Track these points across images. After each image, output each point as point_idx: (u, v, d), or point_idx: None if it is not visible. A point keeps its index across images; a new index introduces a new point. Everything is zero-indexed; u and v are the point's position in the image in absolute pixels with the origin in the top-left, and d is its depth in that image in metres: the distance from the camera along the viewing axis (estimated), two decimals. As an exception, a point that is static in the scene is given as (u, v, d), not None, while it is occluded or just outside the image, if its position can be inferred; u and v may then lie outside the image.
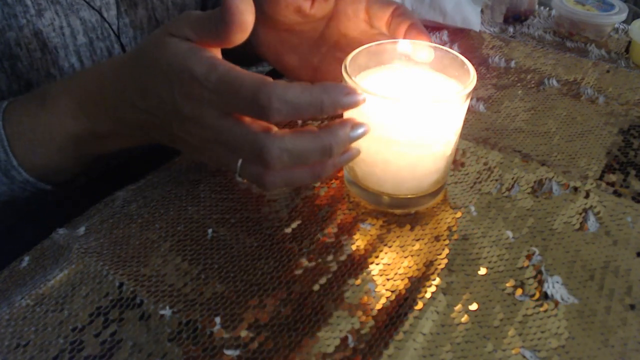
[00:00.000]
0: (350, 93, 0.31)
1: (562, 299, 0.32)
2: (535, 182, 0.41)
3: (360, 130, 0.32)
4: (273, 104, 0.29)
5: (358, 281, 0.33)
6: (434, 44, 0.38)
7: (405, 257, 0.35)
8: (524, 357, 0.29)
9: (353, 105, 0.31)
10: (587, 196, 0.40)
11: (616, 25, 0.66)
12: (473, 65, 0.35)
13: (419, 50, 0.39)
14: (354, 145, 0.33)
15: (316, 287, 0.33)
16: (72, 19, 0.47)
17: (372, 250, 0.35)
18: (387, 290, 0.33)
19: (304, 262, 0.34)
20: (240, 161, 0.32)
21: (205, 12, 0.32)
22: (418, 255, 0.35)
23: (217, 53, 0.33)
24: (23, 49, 0.45)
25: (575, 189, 0.41)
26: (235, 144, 0.32)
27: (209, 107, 0.32)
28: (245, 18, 0.30)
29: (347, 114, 0.37)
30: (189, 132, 0.33)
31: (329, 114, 0.32)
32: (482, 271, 0.34)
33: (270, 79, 0.30)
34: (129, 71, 0.35)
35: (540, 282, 0.33)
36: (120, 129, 0.38)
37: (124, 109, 0.36)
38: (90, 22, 0.48)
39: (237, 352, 0.29)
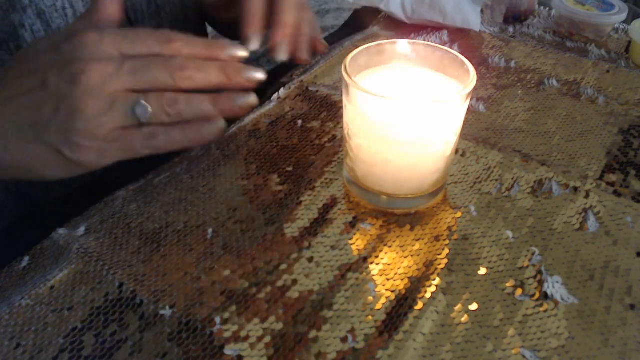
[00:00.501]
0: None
1: (562, 299, 0.32)
2: (535, 182, 0.41)
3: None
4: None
5: (358, 281, 0.33)
6: (433, 44, 0.38)
7: (405, 257, 0.35)
8: (524, 357, 0.29)
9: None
10: (587, 196, 0.40)
11: (616, 25, 0.66)
12: (473, 65, 0.35)
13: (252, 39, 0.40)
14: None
15: (316, 287, 0.33)
16: (74, 1, 0.48)
17: (372, 250, 0.35)
18: (387, 290, 0.33)
19: (304, 262, 0.34)
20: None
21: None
22: (418, 255, 0.35)
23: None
24: (27, 30, 0.46)
25: (575, 189, 0.41)
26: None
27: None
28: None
29: (348, 117, 0.37)
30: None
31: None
32: (482, 271, 0.34)
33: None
34: None
35: (540, 282, 0.33)
36: None
37: None
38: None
39: (237, 352, 0.29)
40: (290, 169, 0.42)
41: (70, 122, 0.32)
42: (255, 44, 0.41)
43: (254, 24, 0.41)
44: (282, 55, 0.42)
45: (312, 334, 0.30)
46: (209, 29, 0.70)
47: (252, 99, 0.37)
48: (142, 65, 0.34)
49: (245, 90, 0.37)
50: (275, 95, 0.50)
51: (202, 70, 0.36)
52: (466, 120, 0.37)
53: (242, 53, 0.38)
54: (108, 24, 0.37)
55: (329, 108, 0.49)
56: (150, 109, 0.33)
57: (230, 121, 0.38)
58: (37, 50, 0.36)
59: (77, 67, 0.33)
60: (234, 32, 0.49)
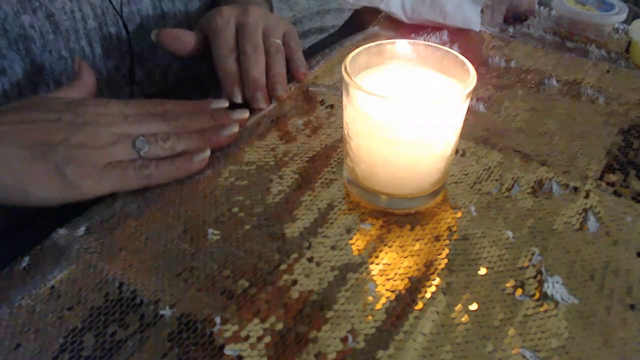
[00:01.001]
0: None
1: (562, 299, 0.32)
2: (535, 182, 0.41)
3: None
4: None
5: (358, 281, 0.33)
6: (433, 44, 0.38)
7: (405, 257, 0.35)
8: (524, 357, 0.29)
9: None
10: (587, 196, 0.40)
11: (616, 25, 0.66)
12: (473, 65, 0.35)
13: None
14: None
15: (316, 287, 0.33)
16: (82, 4, 0.50)
17: (372, 250, 0.35)
18: (387, 290, 0.33)
19: (304, 262, 0.34)
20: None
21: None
22: (418, 255, 0.35)
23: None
24: (37, 31, 0.48)
25: (575, 189, 0.41)
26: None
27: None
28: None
29: (348, 117, 0.37)
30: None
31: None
32: (482, 271, 0.34)
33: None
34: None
35: (540, 282, 0.33)
36: None
37: None
38: (100, 7, 0.51)
39: (237, 352, 0.29)
40: (290, 169, 0.42)
41: (78, 148, 0.36)
42: (238, 98, 0.48)
43: (230, 84, 0.48)
44: (261, 104, 0.48)
45: (312, 334, 0.30)
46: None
47: (236, 128, 0.43)
48: (142, 118, 0.40)
49: None
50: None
51: (194, 118, 0.42)
52: (466, 120, 0.37)
53: (224, 104, 0.46)
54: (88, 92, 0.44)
55: (329, 108, 0.49)
56: (146, 145, 0.39)
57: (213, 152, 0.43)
58: (47, 99, 0.41)
59: (89, 115, 0.39)
60: None
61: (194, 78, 0.66)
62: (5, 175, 0.35)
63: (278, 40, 0.51)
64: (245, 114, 0.45)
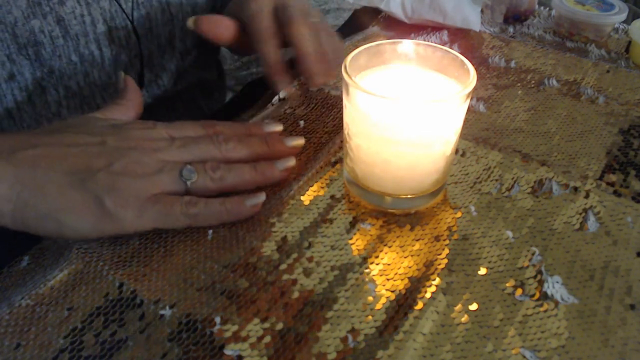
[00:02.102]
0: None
1: (562, 299, 0.32)
2: (535, 182, 0.41)
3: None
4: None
5: (358, 281, 0.33)
6: (433, 44, 0.38)
7: (405, 257, 0.35)
8: (524, 357, 0.29)
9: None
10: (587, 196, 0.40)
11: (616, 25, 0.66)
12: (473, 65, 0.35)
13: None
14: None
15: (316, 287, 0.33)
16: (92, 8, 0.49)
17: (372, 250, 0.35)
18: (387, 290, 0.33)
19: (304, 262, 0.34)
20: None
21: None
22: (418, 255, 0.35)
23: None
24: (47, 36, 0.47)
25: (575, 189, 0.41)
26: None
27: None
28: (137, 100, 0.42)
29: (348, 117, 0.37)
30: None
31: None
32: (482, 271, 0.34)
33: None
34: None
35: (540, 282, 0.33)
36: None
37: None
38: (109, 11, 0.50)
39: (237, 352, 0.29)
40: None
41: (121, 175, 0.34)
42: (283, 88, 0.47)
43: (276, 72, 0.46)
44: (328, 80, 0.46)
45: (312, 334, 0.30)
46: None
47: (292, 162, 0.40)
48: (191, 142, 0.38)
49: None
50: (275, 97, 0.50)
51: (245, 142, 0.39)
52: (466, 120, 0.37)
53: (278, 127, 0.42)
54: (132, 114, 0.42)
55: (330, 108, 0.49)
56: (195, 174, 0.36)
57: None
58: (91, 119, 0.39)
59: (134, 139, 0.36)
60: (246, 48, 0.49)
61: (203, 82, 0.66)
62: (39, 202, 0.32)
63: (317, 19, 0.48)
64: (301, 141, 0.42)
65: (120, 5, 0.51)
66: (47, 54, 0.48)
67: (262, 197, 0.37)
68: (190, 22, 0.47)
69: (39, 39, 0.47)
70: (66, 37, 0.48)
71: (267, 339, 0.30)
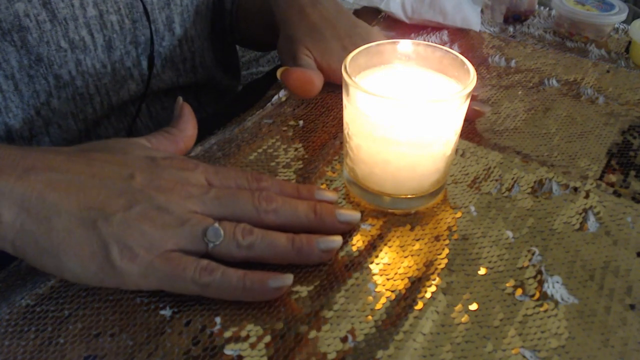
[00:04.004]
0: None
1: (562, 299, 0.32)
2: (535, 182, 0.41)
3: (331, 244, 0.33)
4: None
5: (358, 281, 0.33)
6: (433, 44, 0.38)
7: (405, 257, 0.35)
8: (524, 357, 0.29)
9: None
10: (587, 196, 0.40)
11: (616, 25, 0.66)
12: (473, 65, 0.35)
13: None
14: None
15: (316, 287, 0.33)
16: None
17: (372, 250, 0.35)
18: (387, 290, 0.33)
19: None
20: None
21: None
22: (418, 255, 0.35)
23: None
24: (32, 20, 0.44)
25: (575, 189, 0.41)
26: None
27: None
28: (191, 132, 0.40)
29: (348, 117, 0.37)
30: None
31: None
32: (482, 271, 0.34)
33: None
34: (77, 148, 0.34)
35: (540, 282, 0.33)
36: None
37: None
38: None
39: (237, 352, 0.29)
40: (290, 169, 0.42)
41: (137, 222, 0.30)
42: None
43: None
44: None
45: (312, 334, 0.30)
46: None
47: (338, 243, 0.33)
48: (228, 194, 0.33)
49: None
50: (275, 97, 0.50)
51: (290, 205, 0.34)
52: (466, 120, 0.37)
53: (334, 196, 0.37)
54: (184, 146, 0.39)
55: (330, 108, 0.49)
56: (221, 235, 0.31)
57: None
58: (127, 146, 0.35)
59: (167, 179, 0.32)
60: (253, 41, 0.48)
61: (210, 77, 0.64)
62: (42, 237, 0.29)
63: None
64: (357, 216, 0.36)
65: None
66: (33, 40, 0.45)
67: (289, 280, 0.31)
68: (278, 73, 0.46)
69: (24, 23, 0.44)
70: (54, 22, 0.45)
71: (267, 339, 0.30)
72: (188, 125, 0.39)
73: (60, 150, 0.33)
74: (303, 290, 0.33)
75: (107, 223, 0.29)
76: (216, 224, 0.31)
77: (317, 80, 0.46)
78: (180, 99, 0.41)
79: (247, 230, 0.32)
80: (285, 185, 0.36)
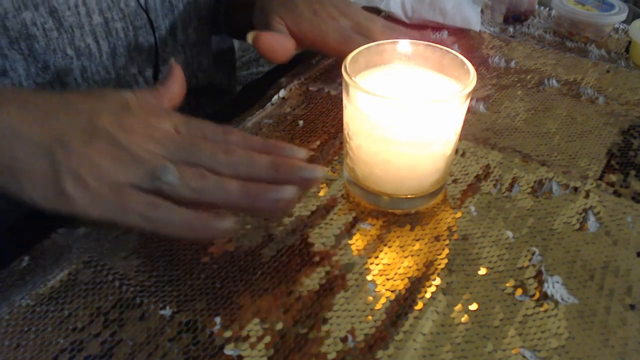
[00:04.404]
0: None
1: (562, 299, 0.32)
2: (535, 182, 0.41)
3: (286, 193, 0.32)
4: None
5: (358, 281, 0.33)
6: (433, 44, 0.38)
7: (405, 257, 0.35)
8: (524, 357, 0.29)
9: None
10: (587, 196, 0.40)
11: (616, 25, 0.66)
12: (473, 65, 0.35)
13: None
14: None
15: (316, 287, 0.33)
16: None
17: (372, 250, 0.35)
18: (387, 290, 0.33)
19: (305, 262, 0.34)
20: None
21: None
22: (418, 255, 0.35)
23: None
24: (39, 28, 0.45)
25: (575, 189, 0.41)
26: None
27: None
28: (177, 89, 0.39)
29: (348, 117, 0.37)
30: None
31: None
32: (482, 271, 0.34)
33: None
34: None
35: (540, 282, 0.33)
36: None
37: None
38: (105, 1, 0.49)
39: (237, 352, 0.29)
40: (290, 169, 0.42)
41: (94, 156, 0.31)
42: None
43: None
44: None
45: (312, 334, 0.30)
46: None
47: (291, 193, 0.31)
48: (189, 142, 0.34)
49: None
50: (275, 97, 0.51)
51: (250, 159, 0.33)
52: (466, 120, 0.37)
53: (302, 155, 0.35)
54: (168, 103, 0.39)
55: (330, 108, 0.49)
56: (173, 176, 0.31)
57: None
58: (114, 93, 0.36)
59: (133, 122, 0.33)
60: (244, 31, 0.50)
61: (210, 79, 0.65)
62: (6, 160, 0.31)
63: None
64: (321, 172, 0.33)
65: None
66: (40, 48, 0.46)
67: (231, 223, 0.31)
68: (249, 36, 0.47)
69: (32, 32, 0.45)
70: (60, 30, 0.47)
71: (267, 339, 0.30)
72: (174, 85, 0.40)
73: (39, 91, 0.35)
74: (303, 290, 0.33)
75: (65, 154, 0.31)
76: (171, 166, 0.31)
77: (288, 45, 0.48)
78: (172, 59, 0.42)
79: (200, 174, 0.32)
80: (253, 140, 0.36)
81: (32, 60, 0.47)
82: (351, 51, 0.48)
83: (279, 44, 0.48)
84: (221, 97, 0.69)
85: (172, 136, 0.34)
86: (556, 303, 0.32)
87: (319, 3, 0.52)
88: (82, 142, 0.32)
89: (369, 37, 0.50)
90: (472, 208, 0.39)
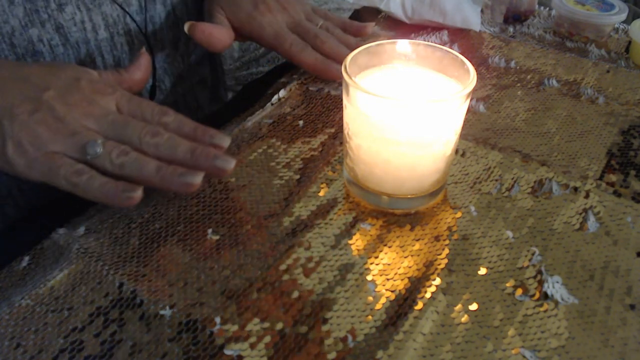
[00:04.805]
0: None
1: (562, 299, 0.32)
2: (535, 182, 0.41)
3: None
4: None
5: (358, 281, 0.33)
6: (433, 44, 0.38)
7: (405, 257, 0.35)
8: (524, 357, 0.29)
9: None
10: (587, 196, 0.40)
11: (616, 25, 0.66)
12: (473, 65, 0.35)
13: None
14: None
15: (316, 287, 0.33)
16: (94, 14, 0.48)
17: (372, 250, 0.35)
18: (387, 290, 0.33)
19: (304, 262, 0.34)
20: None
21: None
22: (418, 255, 0.35)
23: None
24: (46, 44, 0.46)
25: (575, 189, 0.41)
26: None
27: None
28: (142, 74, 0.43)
29: (348, 117, 0.37)
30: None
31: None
32: (482, 271, 0.34)
33: None
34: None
35: (540, 282, 0.33)
36: None
37: None
38: (111, 17, 0.50)
39: (237, 352, 0.29)
40: (290, 169, 0.42)
41: (35, 125, 0.35)
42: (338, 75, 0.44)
43: (324, 69, 0.51)
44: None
45: (312, 334, 0.30)
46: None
47: (197, 178, 0.35)
48: (121, 121, 0.37)
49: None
50: (275, 96, 0.51)
51: (171, 142, 0.37)
52: (466, 120, 0.37)
53: (225, 143, 0.38)
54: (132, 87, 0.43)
55: (330, 108, 0.49)
56: (99, 150, 0.35)
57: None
58: (73, 67, 0.40)
59: (77, 98, 0.37)
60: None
61: (204, 82, 0.66)
62: None
63: (321, 21, 0.55)
64: (230, 164, 0.37)
65: (124, 9, 0.50)
66: None
67: (137, 193, 0.34)
68: (186, 26, 0.49)
69: (38, 48, 0.46)
70: (66, 45, 0.47)
71: (267, 339, 0.30)
72: (137, 71, 0.43)
73: (1, 62, 0.39)
74: (303, 290, 0.33)
75: (10, 122, 0.35)
76: (99, 140, 0.35)
77: (224, 35, 0.51)
78: (144, 48, 0.45)
79: (123, 151, 0.35)
80: (185, 124, 0.39)
81: None
82: (284, 47, 0.51)
83: (213, 33, 0.50)
84: (216, 93, 0.70)
85: (108, 114, 0.37)
86: (556, 303, 0.32)
87: None
88: (27, 113, 0.35)
89: (304, 38, 0.52)
90: (472, 208, 0.39)
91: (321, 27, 0.54)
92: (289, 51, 0.51)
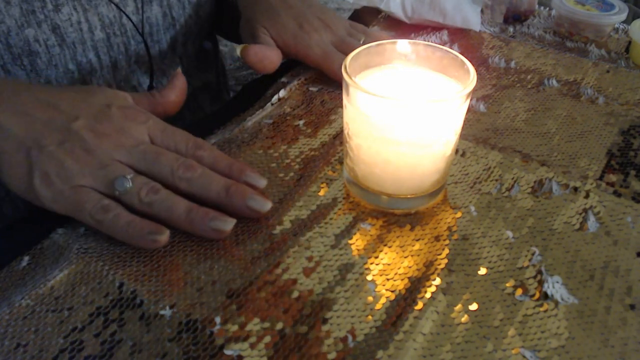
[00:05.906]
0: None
1: (562, 299, 0.32)
2: (535, 182, 0.41)
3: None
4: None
5: (358, 281, 0.33)
6: (433, 44, 0.38)
7: (405, 257, 0.35)
8: (524, 357, 0.29)
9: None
10: (587, 196, 0.40)
11: (616, 25, 0.66)
12: (473, 65, 0.35)
13: None
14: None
15: (316, 287, 0.33)
16: (90, 14, 0.48)
17: (372, 250, 0.35)
18: (387, 290, 0.33)
19: (304, 262, 0.34)
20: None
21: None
22: (418, 255, 0.35)
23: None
24: (42, 45, 0.46)
25: (575, 189, 0.41)
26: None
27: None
28: (174, 98, 0.42)
29: (348, 117, 0.37)
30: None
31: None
32: (482, 271, 0.34)
33: None
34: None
35: (540, 282, 0.33)
36: None
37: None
38: (107, 17, 0.49)
39: (237, 352, 0.29)
40: (290, 169, 0.42)
41: (62, 156, 0.34)
42: None
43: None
44: None
45: (312, 334, 0.30)
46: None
47: (227, 226, 0.34)
48: (154, 152, 0.36)
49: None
50: (275, 96, 0.50)
51: (206, 178, 0.35)
52: (466, 120, 0.37)
53: (261, 184, 0.38)
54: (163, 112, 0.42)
55: (330, 108, 0.49)
56: (128, 186, 0.34)
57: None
58: (104, 92, 0.39)
59: (109, 127, 0.36)
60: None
61: (205, 83, 0.66)
62: None
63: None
64: (267, 205, 0.36)
65: (121, 9, 0.50)
66: (42, 64, 0.47)
67: (163, 237, 0.33)
68: (238, 49, 0.48)
69: (34, 48, 0.46)
70: (62, 46, 0.47)
71: (267, 339, 0.30)
72: (171, 93, 0.42)
73: (27, 85, 0.39)
74: (303, 290, 0.33)
75: (39, 152, 0.34)
76: (129, 176, 0.34)
77: (275, 57, 0.50)
78: (179, 68, 0.44)
79: (153, 189, 0.34)
80: (220, 159, 0.38)
81: (34, 75, 0.47)
82: (331, 67, 0.51)
83: (266, 55, 0.49)
84: (218, 94, 0.70)
85: (140, 144, 0.36)
86: (556, 303, 0.32)
87: (304, 16, 0.53)
88: (56, 144, 0.35)
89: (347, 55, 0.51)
90: (472, 208, 0.39)
91: (363, 42, 0.52)
92: (339, 72, 0.50)
